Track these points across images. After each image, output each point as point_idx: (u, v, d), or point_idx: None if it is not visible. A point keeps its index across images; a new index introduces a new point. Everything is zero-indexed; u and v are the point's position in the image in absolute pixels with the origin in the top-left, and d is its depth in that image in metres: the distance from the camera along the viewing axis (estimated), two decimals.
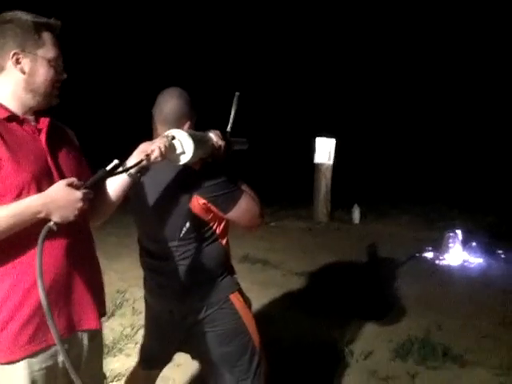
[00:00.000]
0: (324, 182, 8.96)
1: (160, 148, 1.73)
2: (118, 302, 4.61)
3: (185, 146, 1.82)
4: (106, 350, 3.64)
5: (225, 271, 2.22)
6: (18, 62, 1.56)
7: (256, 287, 5.14)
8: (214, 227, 2.15)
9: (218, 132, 2.10)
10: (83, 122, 9.10)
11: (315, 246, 7.04)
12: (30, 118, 1.63)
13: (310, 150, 9.04)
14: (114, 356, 3.66)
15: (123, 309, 4.54)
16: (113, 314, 4.40)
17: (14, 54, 1.55)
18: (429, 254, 6.61)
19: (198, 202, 2.03)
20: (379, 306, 4.66)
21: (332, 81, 15.76)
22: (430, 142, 14.03)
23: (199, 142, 1.91)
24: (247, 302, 2.30)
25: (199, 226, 2.10)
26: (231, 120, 2.29)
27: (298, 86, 16.11)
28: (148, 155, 1.71)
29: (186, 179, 2.04)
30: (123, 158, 1.80)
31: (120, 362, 3.57)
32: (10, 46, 1.55)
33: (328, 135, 9.03)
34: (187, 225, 2.07)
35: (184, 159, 1.85)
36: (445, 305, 4.75)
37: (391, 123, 14.88)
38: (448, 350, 3.75)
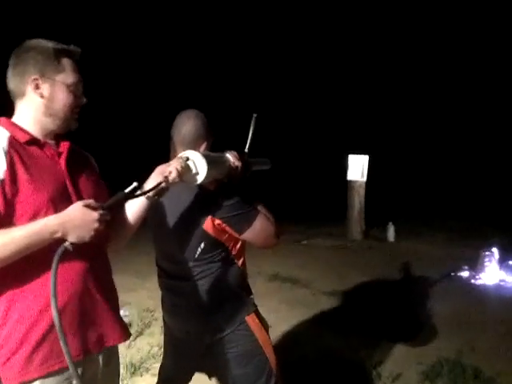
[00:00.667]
0: (357, 200, 8.89)
1: (177, 169, 1.75)
2: (147, 321, 4.65)
3: (198, 166, 1.84)
4: (132, 369, 3.69)
5: (241, 292, 2.21)
6: (37, 87, 1.61)
7: (284, 306, 5.13)
8: (230, 248, 2.15)
9: (234, 153, 2.12)
10: (101, 145, 9.30)
11: (347, 264, 6.94)
12: (51, 141, 1.68)
13: (343, 167, 8.99)
14: (141, 375, 3.67)
15: (152, 328, 4.57)
16: (141, 333, 4.43)
17: (34, 80, 1.60)
18: (464, 273, 6.43)
19: (212, 223, 2.03)
20: (409, 327, 4.56)
21: (365, 97, 15.68)
22: (464, 158, 13.77)
23: (214, 163, 1.92)
24: (264, 323, 2.28)
25: (214, 246, 2.10)
26: (249, 141, 2.30)
27: (331, 103, 16.07)
28: (166, 177, 1.74)
29: (201, 200, 2.05)
30: (141, 181, 1.83)
31: (146, 382, 3.58)
32: (31, 71, 1.61)
33: (361, 152, 8.97)
34: (202, 245, 2.08)
35: (198, 180, 1.86)
36: (478, 325, 4.61)
37: (425, 139, 14.68)
38: (480, 372, 3.63)
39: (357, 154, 8.95)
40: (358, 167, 8.86)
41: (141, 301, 5.00)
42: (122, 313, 4.91)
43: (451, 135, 14.85)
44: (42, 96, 1.62)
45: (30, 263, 1.50)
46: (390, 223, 8.82)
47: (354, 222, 8.90)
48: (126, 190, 1.61)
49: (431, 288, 5.75)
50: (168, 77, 15.89)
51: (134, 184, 1.63)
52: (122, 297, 5.60)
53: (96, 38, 13.98)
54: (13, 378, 1.52)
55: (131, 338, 4.30)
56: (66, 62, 1.65)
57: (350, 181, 8.93)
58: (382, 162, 10.84)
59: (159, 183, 1.73)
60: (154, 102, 14.39)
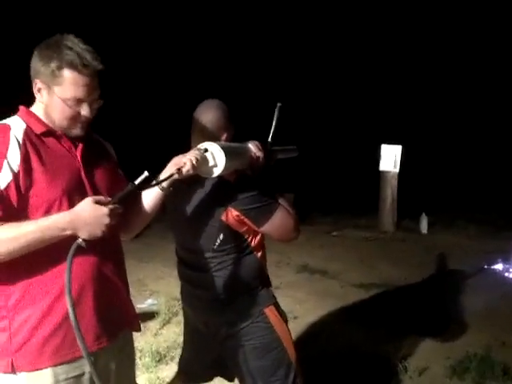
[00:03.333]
0: (390, 191, 8.74)
1: (192, 161, 1.74)
2: (174, 310, 4.67)
3: (217, 158, 1.82)
4: (158, 358, 3.74)
5: (260, 284, 2.20)
6: (39, 90, 1.61)
7: (313, 297, 5.12)
8: (249, 240, 2.14)
9: (257, 143, 2.10)
10: (124, 135, 9.34)
11: (378, 256, 6.86)
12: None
13: (375, 157, 8.86)
14: (167, 364, 3.70)
15: (179, 316, 4.58)
16: (169, 322, 4.48)
17: (36, 83, 1.60)
18: (498, 266, 6.29)
19: (231, 214, 2.02)
20: (439, 321, 4.48)
21: (398, 86, 15.40)
22: (500, 150, 13.40)
23: (233, 154, 1.90)
24: (283, 315, 2.27)
25: (233, 238, 2.09)
26: (272, 130, 2.27)
27: (365, 93, 15.85)
28: (180, 168, 1.73)
29: (221, 191, 2.04)
30: (157, 172, 1.84)
31: (171, 370, 3.60)
32: (35, 73, 1.60)
33: (394, 142, 8.82)
34: (221, 236, 2.07)
35: (216, 172, 1.84)
36: (509, 320, 4.49)
37: (458, 129, 14.34)
38: (509, 368, 3.55)
39: (390, 144, 8.81)
40: (390, 157, 8.71)
41: (169, 289, 5.04)
42: (150, 301, 5.06)
43: (487, 125, 14.48)
44: (41, 99, 1.62)
45: (45, 253, 1.51)
46: (423, 214, 8.65)
47: (386, 213, 8.77)
48: (137, 181, 1.59)
49: (463, 281, 5.63)
50: (193, 66, 15.83)
51: (145, 174, 1.60)
52: (151, 285, 5.74)
53: (116, 30, 14.06)
54: (25, 365, 1.55)
55: (158, 327, 4.39)
56: (69, 74, 1.55)
57: (383, 171, 8.79)
58: (416, 152, 10.62)
59: (172, 174, 1.73)
60: (179, 91, 14.39)
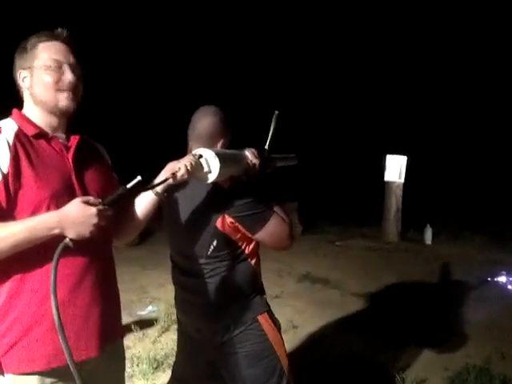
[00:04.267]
0: (394, 201, 8.72)
1: (186, 166, 1.74)
2: (174, 317, 4.65)
3: (211, 165, 1.82)
4: (155, 365, 3.74)
5: (254, 291, 2.20)
6: (23, 80, 1.66)
7: (313, 307, 5.11)
8: (243, 247, 2.14)
9: (253, 150, 2.10)
10: (118, 139, 9.34)
11: (380, 266, 6.83)
12: (61, 135, 1.70)
13: (380, 167, 8.85)
14: (163, 371, 3.69)
15: None
16: (168, 329, 4.47)
17: (20, 74, 1.66)
18: (501, 278, 6.25)
19: (226, 221, 2.03)
20: (439, 332, 4.46)
21: (404, 97, 15.39)
22: (505, 158, 13.32)
23: (228, 161, 1.91)
24: (277, 323, 2.26)
25: (227, 244, 2.09)
26: (269, 138, 2.28)
27: (370, 102, 15.84)
28: (174, 173, 1.73)
29: (215, 197, 2.05)
30: (153, 177, 1.84)
31: (168, 378, 3.53)
32: (17, 68, 1.67)
33: (399, 152, 8.81)
34: (215, 243, 2.07)
35: (211, 178, 1.85)
36: (510, 333, 4.46)
37: (464, 139, 14.29)
38: (508, 381, 3.53)
39: (395, 154, 8.80)
40: (395, 168, 8.70)
41: (169, 297, 4.98)
42: (150, 308, 5.06)
43: (494, 136, 14.43)
44: (27, 87, 1.66)
45: (33, 255, 1.52)
46: (428, 225, 8.62)
47: (390, 223, 8.74)
48: (129, 185, 1.59)
49: (465, 293, 5.60)
50: (191, 72, 15.81)
51: (138, 178, 1.60)
52: (152, 292, 5.75)
53: (113, 31, 14.10)
54: (13, 367, 1.55)
55: (157, 334, 4.39)
56: (42, 46, 1.64)
57: (388, 182, 8.77)
58: (421, 162, 10.59)
59: (166, 179, 1.73)
60: (176, 97, 14.40)
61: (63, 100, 1.65)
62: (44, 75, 1.63)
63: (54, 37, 1.66)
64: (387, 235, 8.71)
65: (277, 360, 2.17)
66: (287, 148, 2.46)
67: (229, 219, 2.03)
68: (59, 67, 1.64)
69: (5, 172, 1.50)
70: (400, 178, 8.68)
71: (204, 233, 2.07)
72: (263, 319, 2.18)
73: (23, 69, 1.65)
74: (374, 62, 16.43)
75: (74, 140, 1.71)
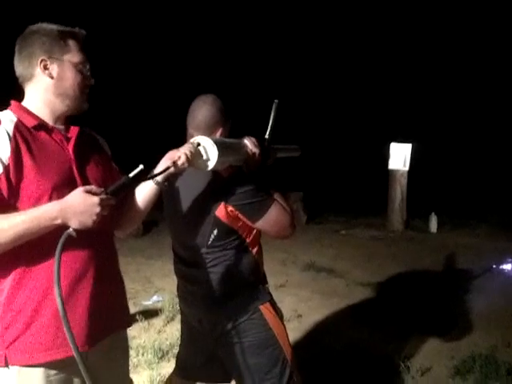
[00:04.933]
0: (399, 189, 8.69)
1: (186, 154, 1.73)
2: (177, 308, 4.67)
3: (209, 152, 1.81)
4: (160, 355, 3.74)
5: (255, 281, 2.18)
6: (45, 67, 1.63)
7: (318, 296, 5.11)
8: (244, 236, 2.12)
9: (253, 139, 2.08)
10: (117, 130, 9.33)
11: (385, 255, 6.82)
12: (60, 127, 1.68)
13: (384, 155, 8.81)
14: (168, 361, 3.69)
15: None
16: (173, 319, 4.47)
17: (42, 61, 1.62)
18: (507, 266, 6.22)
19: (225, 210, 2.01)
20: (444, 320, 4.44)
21: (408, 83, 15.28)
22: (511, 147, 13.23)
23: (227, 149, 1.90)
24: (279, 313, 2.25)
25: (228, 233, 2.08)
26: (269, 127, 2.26)
27: (373, 90, 15.74)
28: (175, 162, 1.72)
29: (215, 186, 2.03)
30: (152, 166, 1.83)
31: (172, 367, 3.61)
32: (38, 53, 1.62)
33: (403, 140, 8.76)
34: (215, 232, 2.06)
35: (209, 166, 1.83)
36: None
37: (470, 126, 14.19)
38: None
39: (399, 142, 8.75)
40: (400, 156, 8.65)
41: (174, 287, 4.98)
42: (155, 298, 5.07)
43: (500, 123, 14.32)
44: (51, 76, 1.64)
45: (36, 247, 1.51)
46: (433, 214, 8.58)
47: (394, 212, 8.71)
48: (131, 174, 1.58)
49: (471, 281, 5.59)
50: (189, 61, 15.72)
51: (140, 167, 1.58)
52: (157, 283, 5.77)
53: (111, 26, 14.06)
54: (18, 359, 1.54)
55: (162, 324, 4.40)
56: (72, 42, 1.67)
57: (392, 170, 8.73)
58: (426, 150, 10.51)
59: (167, 168, 1.72)
60: (174, 86, 14.35)
61: (85, 102, 1.72)
62: (76, 72, 1.67)
63: (76, 35, 1.70)
64: (392, 224, 8.69)
65: (280, 349, 2.16)
66: (291, 138, 2.43)
67: (229, 208, 2.01)
68: (87, 69, 1.71)
69: (6, 163, 1.49)
70: (404, 166, 8.64)
71: (204, 222, 2.06)
72: (265, 309, 2.16)
73: (49, 57, 1.63)
74: (378, 49, 16.32)
75: (74, 131, 1.70)
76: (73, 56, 1.66)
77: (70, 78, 1.65)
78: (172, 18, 16.20)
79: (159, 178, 1.75)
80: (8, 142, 1.51)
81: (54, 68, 1.63)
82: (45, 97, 1.65)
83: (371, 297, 5.16)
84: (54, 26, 1.66)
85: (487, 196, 10.43)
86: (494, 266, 6.19)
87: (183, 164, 1.73)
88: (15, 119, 1.59)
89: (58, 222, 1.48)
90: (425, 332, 4.15)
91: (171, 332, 4.19)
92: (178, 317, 4.50)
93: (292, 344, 2.27)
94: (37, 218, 1.46)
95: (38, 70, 1.63)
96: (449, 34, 15.93)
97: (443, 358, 3.75)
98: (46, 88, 1.65)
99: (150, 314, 4.57)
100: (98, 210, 1.49)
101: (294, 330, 4.08)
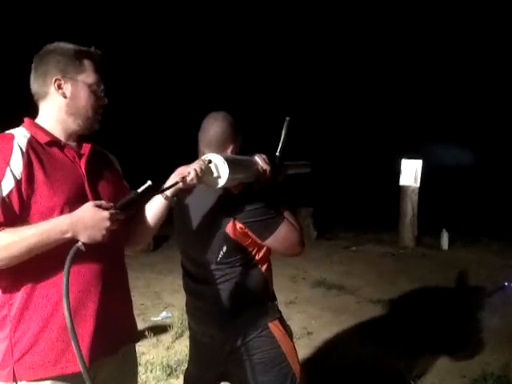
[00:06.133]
0: (410, 206, 8.66)
1: (196, 170, 1.74)
2: (187, 324, 4.66)
3: (220, 170, 1.81)
4: (168, 371, 3.73)
5: (264, 298, 2.17)
6: (59, 87, 1.65)
7: (327, 313, 5.07)
8: (254, 253, 2.12)
9: (264, 156, 2.08)
10: (128, 147, 9.38)
11: (396, 272, 6.78)
12: (72, 143, 1.71)
13: (395, 171, 8.79)
14: (177, 378, 3.68)
15: None
16: (181, 335, 4.46)
17: (56, 80, 1.65)
18: None
19: (235, 227, 2.01)
20: (456, 339, 4.39)
21: (420, 100, 15.28)
22: None
23: (238, 166, 1.90)
24: (288, 330, 2.24)
25: (237, 250, 2.07)
26: (281, 144, 2.27)
27: (385, 106, 15.76)
28: (184, 177, 1.73)
29: (225, 203, 2.03)
30: (162, 181, 1.84)
31: None
32: (52, 72, 1.65)
33: (414, 156, 8.75)
34: (224, 248, 2.06)
35: (220, 183, 1.84)
36: None
37: (480, 143, 14.13)
38: None
39: (410, 158, 8.74)
40: (411, 172, 8.64)
41: (183, 303, 4.97)
42: (164, 314, 5.06)
43: (509, 142, 14.26)
44: (64, 96, 1.66)
45: (46, 261, 1.52)
46: (444, 230, 8.53)
47: (406, 228, 8.68)
48: (139, 190, 1.60)
49: (483, 299, 5.52)
50: (202, 78, 15.83)
51: (148, 183, 1.61)
52: (166, 298, 5.76)
53: (119, 38, 14.20)
54: (26, 374, 1.55)
55: (171, 340, 4.39)
56: (87, 62, 1.69)
57: (403, 186, 8.72)
58: (437, 166, 10.49)
59: (175, 183, 1.73)
60: (186, 104, 14.42)
61: (97, 122, 1.75)
62: (89, 93, 1.70)
63: (92, 55, 1.73)
64: (403, 240, 8.65)
65: (289, 367, 2.14)
66: (301, 154, 2.44)
67: (238, 225, 2.01)
68: (101, 89, 1.73)
69: (18, 178, 1.51)
70: (416, 182, 8.62)
71: (214, 238, 2.06)
72: (274, 326, 2.15)
73: (63, 76, 1.66)
74: (389, 66, 16.35)
75: (87, 148, 1.72)
76: (87, 76, 1.68)
77: (83, 98, 1.68)
78: (186, 35, 16.35)
79: (168, 193, 1.76)
80: (21, 156, 1.53)
81: (67, 87, 1.66)
82: (58, 115, 1.68)
83: (382, 314, 5.12)
84: (70, 46, 1.68)
85: (499, 212, 10.35)
86: (506, 284, 6.11)
87: (192, 180, 1.74)
88: (28, 135, 1.61)
89: (68, 235, 1.49)
90: (436, 350, 4.10)
91: (180, 348, 4.18)
92: (187, 333, 4.47)
93: (301, 361, 2.25)
94: (47, 231, 1.48)
95: (52, 88, 1.66)
96: (462, 56, 15.93)
97: (454, 376, 3.71)
98: (59, 107, 1.67)
99: (159, 329, 4.57)
100: (107, 224, 1.51)
101: (304, 347, 4.06)
